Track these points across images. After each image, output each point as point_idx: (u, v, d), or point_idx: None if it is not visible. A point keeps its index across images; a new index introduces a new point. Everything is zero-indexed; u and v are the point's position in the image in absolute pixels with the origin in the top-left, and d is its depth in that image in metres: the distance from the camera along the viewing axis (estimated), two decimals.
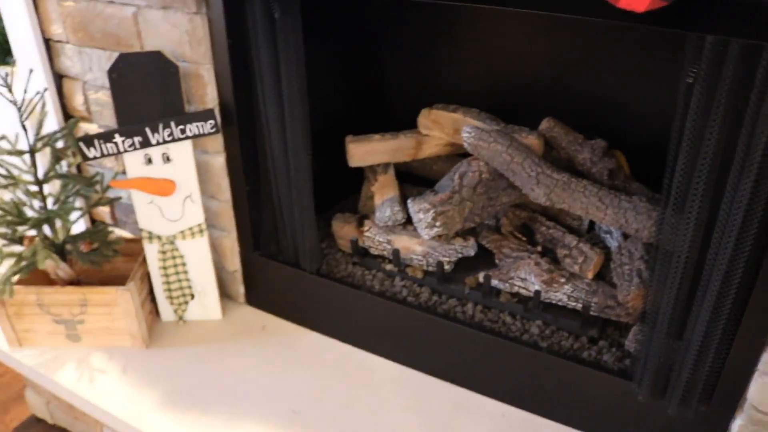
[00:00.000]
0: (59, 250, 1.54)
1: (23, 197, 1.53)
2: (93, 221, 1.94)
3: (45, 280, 1.59)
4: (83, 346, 1.61)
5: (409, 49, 1.74)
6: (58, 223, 1.52)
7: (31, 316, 1.57)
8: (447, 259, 1.48)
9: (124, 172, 1.70)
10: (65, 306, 1.54)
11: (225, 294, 1.72)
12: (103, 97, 1.64)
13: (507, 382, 1.39)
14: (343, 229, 1.59)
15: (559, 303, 1.39)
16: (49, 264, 1.52)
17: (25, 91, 1.46)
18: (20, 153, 1.45)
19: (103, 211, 1.91)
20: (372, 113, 1.81)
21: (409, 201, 1.45)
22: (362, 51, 1.76)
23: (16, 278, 1.49)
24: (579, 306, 1.37)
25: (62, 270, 1.55)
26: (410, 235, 1.51)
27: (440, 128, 1.52)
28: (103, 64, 1.58)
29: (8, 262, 1.49)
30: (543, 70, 1.57)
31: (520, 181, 1.38)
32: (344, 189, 1.78)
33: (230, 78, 1.41)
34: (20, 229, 1.49)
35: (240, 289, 1.70)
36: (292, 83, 1.34)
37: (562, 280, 1.38)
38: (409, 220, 1.52)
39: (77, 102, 1.71)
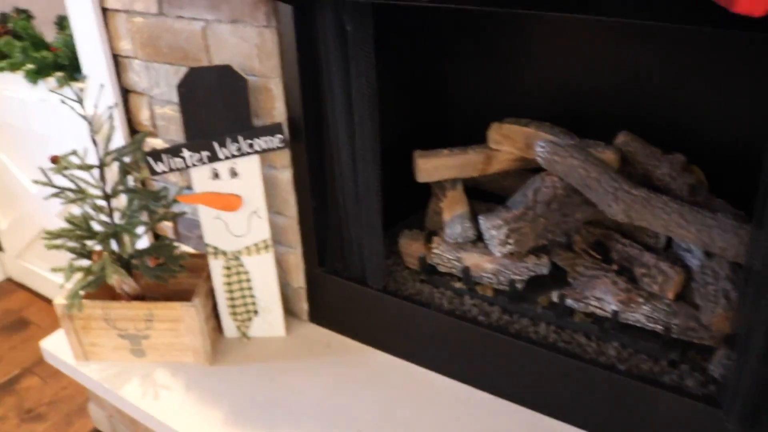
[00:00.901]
0: (125, 265, 1.54)
1: (90, 211, 1.53)
2: (156, 236, 1.93)
3: (109, 294, 1.59)
4: (147, 362, 1.59)
5: (475, 60, 1.70)
6: (125, 238, 1.52)
7: (98, 330, 1.56)
8: (519, 277, 1.43)
9: (188, 187, 1.69)
10: (131, 321, 1.53)
11: (288, 311, 1.69)
12: (169, 111, 1.63)
13: (582, 406, 1.33)
14: (411, 246, 1.55)
15: (637, 324, 1.33)
16: (116, 278, 1.52)
17: (95, 107, 1.46)
18: (90, 167, 1.45)
19: (166, 226, 1.90)
20: (435, 126, 1.77)
21: (480, 217, 1.40)
22: (426, 62, 1.72)
23: (82, 292, 1.49)
24: (659, 328, 1.30)
25: (128, 284, 1.54)
26: (480, 253, 1.46)
27: (511, 143, 1.48)
28: (170, 79, 1.58)
29: (76, 276, 1.49)
30: (617, 81, 1.51)
31: (597, 197, 1.33)
32: (407, 205, 1.74)
33: (299, 92, 1.39)
34: (89, 243, 1.49)
35: (304, 306, 1.67)
36: (363, 97, 1.31)
37: (641, 300, 1.32)
38: (479, 237, 1.48)
39: (143, 117, 1.71)
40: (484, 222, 1.39)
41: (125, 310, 1.52)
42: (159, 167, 1.45)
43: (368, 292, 1.53)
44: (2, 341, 2.36)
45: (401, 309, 1.50)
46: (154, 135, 1.73)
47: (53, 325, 2.41)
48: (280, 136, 1.42)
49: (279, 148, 1.43)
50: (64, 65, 1.83)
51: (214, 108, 1.41)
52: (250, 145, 1.42)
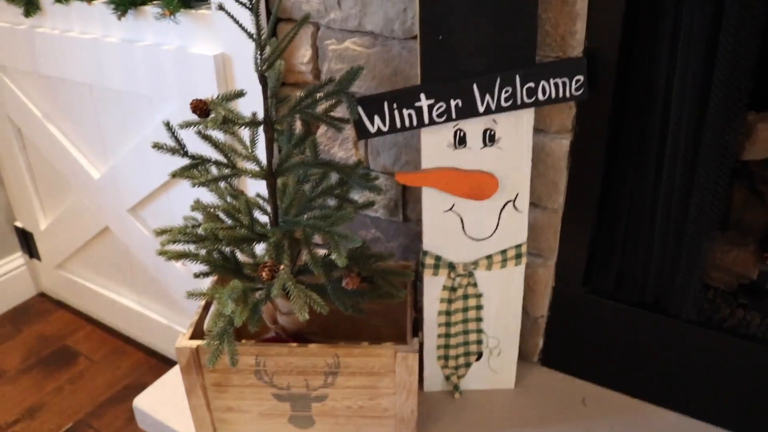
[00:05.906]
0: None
1: (226, 196, 0.89)
2: None
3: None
4: None
5: None
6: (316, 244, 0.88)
7: (240, 388, 0.91)
8: None
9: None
10: (301, 374, 0.89)
11: None
12: (353, 47, 0.97)
13: None
14: (730, 255, 0.94)
15: None
16: (268, 308, 0.89)
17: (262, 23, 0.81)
18: (254, 124, 0.81)
19: None
20: None
21: None
22: None
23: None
24: None
25: (286, 317, 0.90)
26: None
27: None
28: None
29: (230, 306, 0.84)
30: None
31: None
32: None
33: (621, 10, 0.77)
34: (256, 252, 0.84)
35: (537, 343, 1.04)
36: (743, 44, 0.70)
37: None
38: None
39: (299, 58, 1.03)
40: None
41: (295, 357, 0.87)
42: (375, 124, 0.81)
43: (667, 323, 0.91)
44: (43, 380, 1.65)
45: (720, 347, 0.89)
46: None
47: (109, 357, 1.70)
48: (579, 77, 0.80)
49: (574, 98, 0.81)
50: None
51: (474, 28, 0.78)
52: (531, 92, 0.80)
